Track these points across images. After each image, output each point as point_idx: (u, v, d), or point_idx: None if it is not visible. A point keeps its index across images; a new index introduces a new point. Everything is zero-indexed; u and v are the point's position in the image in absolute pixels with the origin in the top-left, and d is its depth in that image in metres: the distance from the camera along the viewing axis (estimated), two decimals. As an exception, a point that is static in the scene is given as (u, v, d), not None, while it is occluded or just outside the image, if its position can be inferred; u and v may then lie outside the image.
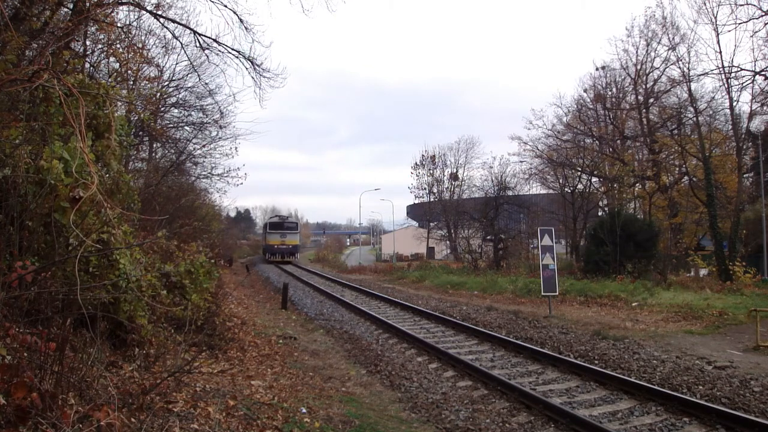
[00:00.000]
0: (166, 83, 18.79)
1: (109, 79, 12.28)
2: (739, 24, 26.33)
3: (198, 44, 11.55)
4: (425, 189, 54.65)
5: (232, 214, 60.78)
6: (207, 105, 20.06)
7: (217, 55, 11.67)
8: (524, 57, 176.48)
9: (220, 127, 20.50)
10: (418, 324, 13.68)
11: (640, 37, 29.97)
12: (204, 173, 23.62)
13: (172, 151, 21.29)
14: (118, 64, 13.37)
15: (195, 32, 11.45)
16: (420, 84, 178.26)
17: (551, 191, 35.83)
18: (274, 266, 40.80)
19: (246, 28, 11.20)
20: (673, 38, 27.36)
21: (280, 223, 46.62)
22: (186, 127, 21.05)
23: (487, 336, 11.37)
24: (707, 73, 29.26)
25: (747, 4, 21.12)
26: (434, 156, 53.82)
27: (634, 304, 15.32)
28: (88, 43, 12.28)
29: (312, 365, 9.04)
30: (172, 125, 20.40)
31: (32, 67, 5.28)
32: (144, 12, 11.79)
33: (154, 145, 20.55)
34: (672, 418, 6.41)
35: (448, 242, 49.41)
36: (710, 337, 11.19)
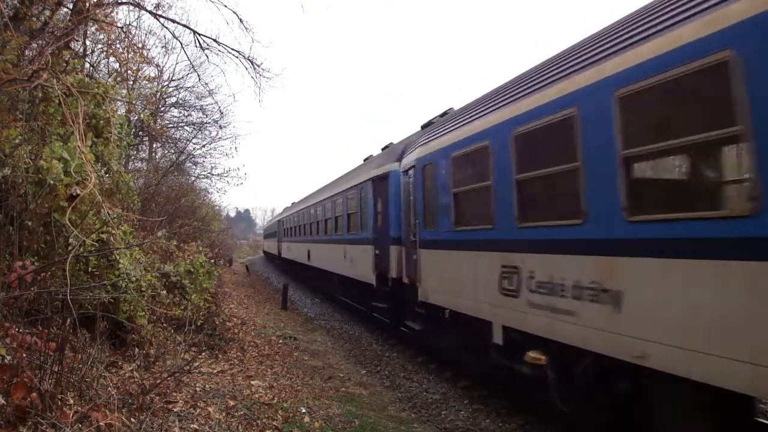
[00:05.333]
0: (166, 83, 18.79)
1: (109, 79, 12.27)
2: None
3: (198, 44, 11.59)
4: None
5: (232, 214, 60.66)
6: (207, 105, 20.09)
7: (217, 55, 11.74)
8: (525, 58, 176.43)
9: (220, 127, 20.56)
10: (418, 324, 13.66)
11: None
12: (204, 173, 23.60)
13: (172, 151, 21.30)
14: (118, 64, 13.35)
15: (195, 32, 11.49)
16: (419, 82, 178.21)
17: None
18: None
19: (246, 28, 11.28)
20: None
21: None
22: (186, 127, 21.07)
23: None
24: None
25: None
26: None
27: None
28: (88, 43, 12.28)
29: (312, 365, 9.03)
30: (172, 125, 20.40)
31: (32, 67, 5.29)
32: (144, 12, 11.81)
33: (154, 145, 20.56)
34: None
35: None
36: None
